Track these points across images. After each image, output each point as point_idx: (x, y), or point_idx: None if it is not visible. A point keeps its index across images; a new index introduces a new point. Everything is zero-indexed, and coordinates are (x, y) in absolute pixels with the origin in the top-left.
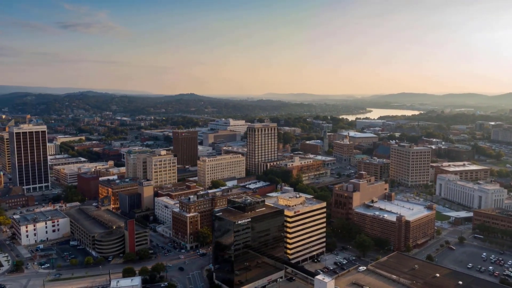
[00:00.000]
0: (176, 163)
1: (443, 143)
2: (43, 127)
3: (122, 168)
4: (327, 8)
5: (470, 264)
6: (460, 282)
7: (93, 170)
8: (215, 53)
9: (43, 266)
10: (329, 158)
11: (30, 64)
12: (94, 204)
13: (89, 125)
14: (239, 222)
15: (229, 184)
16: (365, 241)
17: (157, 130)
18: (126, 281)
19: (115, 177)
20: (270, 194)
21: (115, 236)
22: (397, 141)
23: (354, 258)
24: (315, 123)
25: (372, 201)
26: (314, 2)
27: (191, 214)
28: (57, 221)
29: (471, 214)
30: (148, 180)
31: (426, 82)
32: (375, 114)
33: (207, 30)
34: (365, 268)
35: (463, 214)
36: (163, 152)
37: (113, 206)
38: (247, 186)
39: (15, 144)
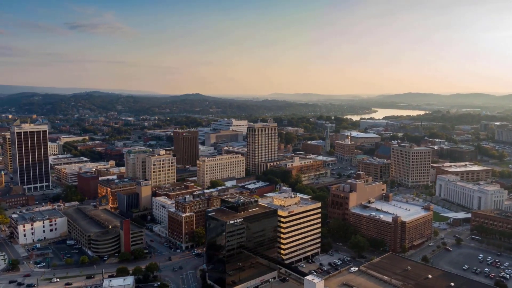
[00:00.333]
0: (175, 163)
1: (446, 143)
2: (44, 127)
3: (122, 168)
4: (333, 8)
5: (466, 266)
6: (452, 284)
7: (93, 170)
8: (221, 53)
9: (38, 265)
10: (330, 159)
11: (37, 65)
12: (92, 203)
13: (93, 125)
14: (231, 222)
15: (229, 184)
16: (360, 241)
17: (161, 130)
18: (119, 281)
19: (115, 177)
20: (268, 194)
21: (111, 236)
22: (398, 141)
23: (349, 259)
24: (318, 123)
25: (369, 202)
26: (320, 2)
27: (187, 214)
28: (55, 221)
29: (469, 215)
30: (146, 180)
31: (432, 82)
32: (380, 114)
33: (213, 30)
34: (357, 269)
35: (461, 215)
36: (162, 152)
37: (111, 205)
38: (246, 186)
39: (16, 144)
